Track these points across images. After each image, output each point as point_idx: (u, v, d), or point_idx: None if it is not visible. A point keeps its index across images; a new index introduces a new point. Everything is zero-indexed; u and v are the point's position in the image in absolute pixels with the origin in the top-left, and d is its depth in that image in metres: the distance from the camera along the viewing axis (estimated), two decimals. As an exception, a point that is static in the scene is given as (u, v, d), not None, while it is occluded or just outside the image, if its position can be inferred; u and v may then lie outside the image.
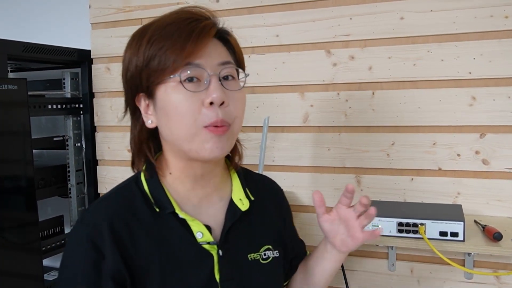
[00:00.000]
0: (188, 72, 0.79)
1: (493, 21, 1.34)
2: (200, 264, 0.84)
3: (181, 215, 0.84)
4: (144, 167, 0.88)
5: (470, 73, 1.38)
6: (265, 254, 0.91)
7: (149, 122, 0.85)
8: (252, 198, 0.94)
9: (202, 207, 0.89)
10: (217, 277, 0.84)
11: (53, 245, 1.77)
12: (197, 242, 0.84)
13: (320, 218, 0.95)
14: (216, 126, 0.79)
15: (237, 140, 0.92)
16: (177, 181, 0.88)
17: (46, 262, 1.77)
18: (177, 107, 0.79)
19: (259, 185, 0.99)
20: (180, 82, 0.78)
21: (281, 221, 1.01)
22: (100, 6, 1.84)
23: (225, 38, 0.86)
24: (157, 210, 0.84)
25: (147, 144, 0.88)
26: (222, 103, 0.79)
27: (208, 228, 0.85)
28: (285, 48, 1.58)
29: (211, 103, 0.78)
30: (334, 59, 1.51)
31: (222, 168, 0.92)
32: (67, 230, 1.92)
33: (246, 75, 0.87)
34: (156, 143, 0.89)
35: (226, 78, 0.82)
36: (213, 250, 0.85)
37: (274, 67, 1.59)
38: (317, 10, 1.53)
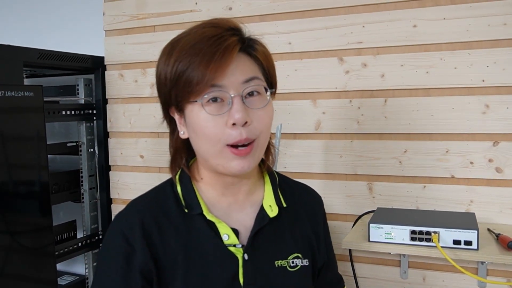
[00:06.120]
0: (211, 94, 0.80)
1: (507, 30, 1.34)
2: (224, 265, 0.85)
3: (209, 217, 0.87)
4: (179, 172, 0.92)
5: (483, 81, 1.38)
6: (293, 262, 0.91)
7: (182, 133, 0.88)
8: (285, 205, 0.94)
9: (232, 212, 0.91)
10: (241, 280, 0.85)
11: (66, 249, 1.78)
12: (223, 244, 0.86)
13: None
14: (238, 147, 0.81)
15: (269, 143, 0.93)
16: (208, 186, 0.91)
17: (59, 266, 1.77)
18: (202, 128, 0.82)
19: (295, 193, 0.99)
20: (202, 106, 0.80)
21: (313, 233, 0.98)
22: (114, 13, 1.86)
23: (251, 53, 0.86)
24: (186, 211, 0.88)
25: (181, 153, 0.92)
26: (245, 123, 0.81)
27: (236, 231, 0.87)
28: (297, 56, 1.58)
29: (234, 124, 0.80)
30: (347, 66, 1.52)
31: (254, 173, 0.93)
32: (79, 235, 1.94)
33: (271, 91, 0.86)
34: (192, 149, 0.92)
35: (251, 94, 0.83)
36: (239, 254, 0.86)
37: (287, 74, 1.59)
38: (329, 18, 1.53)
